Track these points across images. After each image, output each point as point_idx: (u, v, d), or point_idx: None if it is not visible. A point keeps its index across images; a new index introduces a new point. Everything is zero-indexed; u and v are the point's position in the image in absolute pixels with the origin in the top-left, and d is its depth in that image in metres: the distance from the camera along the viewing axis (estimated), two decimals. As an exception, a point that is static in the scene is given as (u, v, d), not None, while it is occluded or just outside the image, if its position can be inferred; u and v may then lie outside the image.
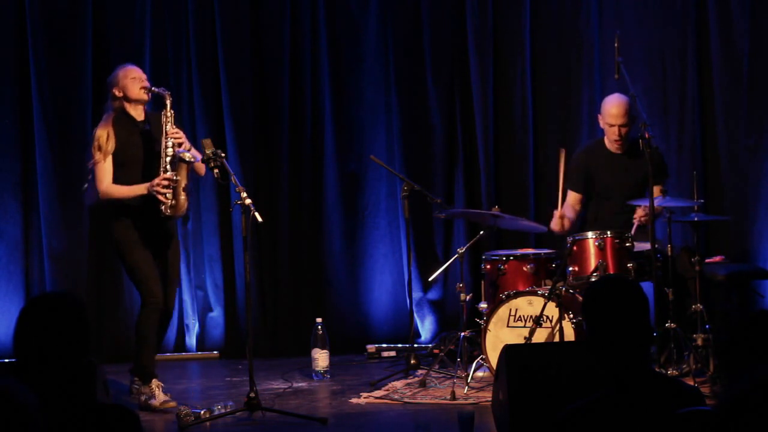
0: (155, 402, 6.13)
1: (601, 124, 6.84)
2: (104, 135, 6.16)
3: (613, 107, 6.74)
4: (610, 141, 6.81)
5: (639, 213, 6.59)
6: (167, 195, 6.05)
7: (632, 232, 6.50)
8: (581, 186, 6.92)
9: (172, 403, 6.13)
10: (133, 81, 6.20)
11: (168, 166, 6.10)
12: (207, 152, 5.96)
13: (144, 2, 7.95)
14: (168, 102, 6.17)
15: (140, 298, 6.26)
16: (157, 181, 6.05)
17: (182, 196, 6.09)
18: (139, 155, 6.20)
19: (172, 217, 6.14)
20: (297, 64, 8.08)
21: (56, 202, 7.84)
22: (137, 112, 6.25)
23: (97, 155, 6.14)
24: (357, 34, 8.10)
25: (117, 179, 6.17)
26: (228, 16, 8.02)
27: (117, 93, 6.23)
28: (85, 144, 7.84)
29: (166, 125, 6.15)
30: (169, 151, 6.12)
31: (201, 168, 6.26)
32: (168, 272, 6.29)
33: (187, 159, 6.10)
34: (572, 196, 6.94)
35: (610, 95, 6.85)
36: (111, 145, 6.15)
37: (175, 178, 6.07)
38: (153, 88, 6.21)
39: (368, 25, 8.10)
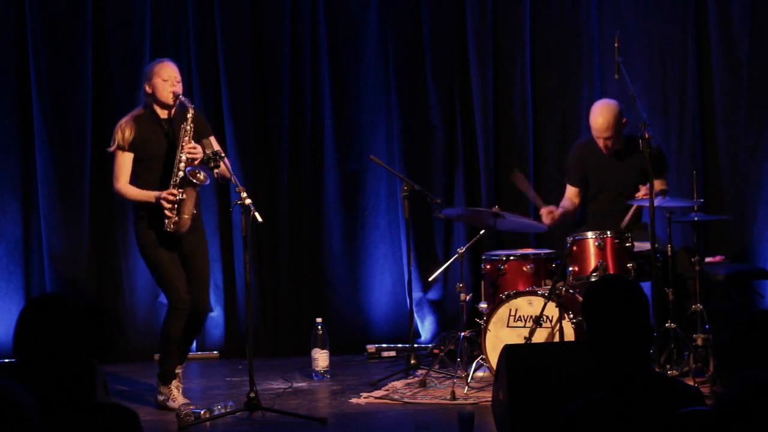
0: (173, 404, 6.10)
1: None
2: (122, 127, 6.15)
3: (597, 117, 6.69)
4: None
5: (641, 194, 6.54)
6: (172, 211, 6.01)
7: (627, 218, 6.54)
8: (578, 180, 6.98)
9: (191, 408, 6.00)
10: (164, 84, 6.13)
11: (178, 181, 6.04)
12: (207, 152, 5.94)
13: (144, 2, 7.95)
14: (189, 115, 6.08)
15: (167, 300, 6.25)
16: (164, 194, 6.00)
17: (185, 215, 6.03)
18: (159, 153, 6.14)
19: (174, 233, 6.06)
20: (297, 64, 8.08)
21: (56, 202, 7.84)
22: (163, 112, 6.20)
23: (113, 146, 6.15)
24: (357, 34, 8.10)
25: (137, 175, 6.16)
26: (228, 16, 8.02)
27: (147, 89, 6.19)
28: (85, 144, 7.88)
29: (183, 139, 6.07)
30: (182, 165, 6.04)
31: (224, 171, 6.13)
32: (194, 270, 6.24)
33: (195, 181, 6.03)
34: (570, 190, 7.02)
35: (597, 102, 6.80)
36: (129, 136, 6.11)
37: (181, 197, 6.02)
38: (180, 97, 6.12)
39: (368, 25, 8.10)
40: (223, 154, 5.98)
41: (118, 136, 6.14)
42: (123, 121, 6.20)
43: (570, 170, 7.01)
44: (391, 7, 8.05)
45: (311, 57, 8.08)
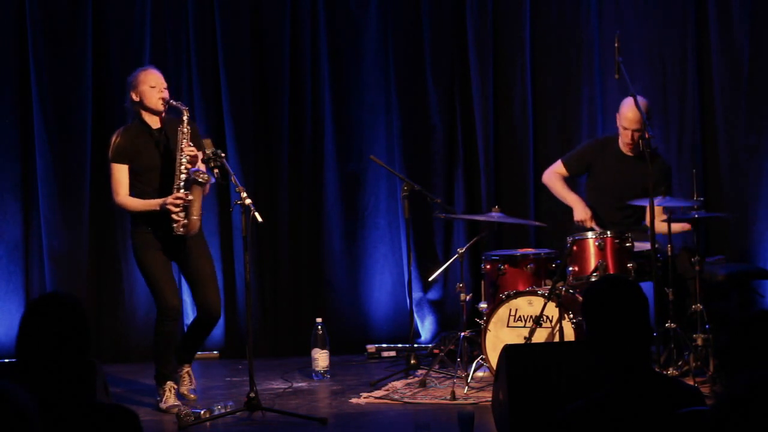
0: (164, 406, 6.06)
1: (618, 123, 6.83)
2: (112, 142, 6.09)
3: (630, 111, 6.66)
4: (623, 143, 6.80)
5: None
6: (180, 214, 5.95)
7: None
8: (573, 170, 7.00)
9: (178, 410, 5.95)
10: (152, 90, 6.06)
11: (182, 184, 5.99)
12: (207, 152, 5.93)
13: (144, 2, 7.95)
14: (185, 117, 6.01)
15: (156, 306, 6.19)
16: (170, 199, 5.94)
17: (194, 216, 5.98)
18: (154, 164, 6.08)
19: (185, 236, 6.02)
20: (297, 64, 8.08)
21: (56, 202, 7.84)
22: (153, 120, 6.13)
23: (110, 160, 6.10)
24: (357, 34, 8.10)
25: (133, 187, 6.08)
26: (228, 16, 8.01)
27: (134, 97, 6.10)
28: (85, 144, 7.88)
29: (182, 141, 6.01)
30: (183, 169, 5.99)
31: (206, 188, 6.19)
32: (203, 274, 6.19)
33: (201, 180, 5.98)
34: (562, 169, 7.01)
35: (629, 98, 6.72)
36: (120, 146, 6.05)
37: (188, 198, 5.96)
38: (171, 101, 6.06)
39: (368, 25, 8.10)
40: (222, 154, 5.96)
41: (110, 151, 6.08)
42: (113, 136, 6.14)
43: (574, 157, 7.01)
44: (391, 7, 8.05)
45: (311, 57, 8.08)
